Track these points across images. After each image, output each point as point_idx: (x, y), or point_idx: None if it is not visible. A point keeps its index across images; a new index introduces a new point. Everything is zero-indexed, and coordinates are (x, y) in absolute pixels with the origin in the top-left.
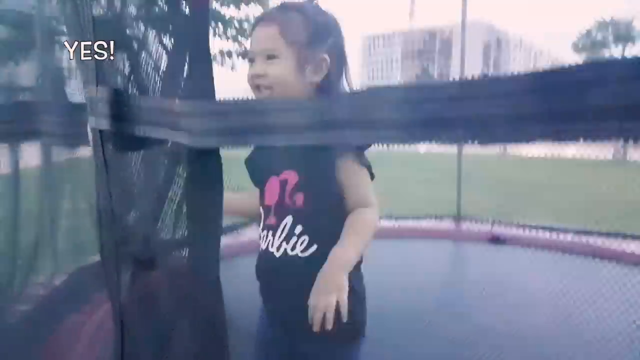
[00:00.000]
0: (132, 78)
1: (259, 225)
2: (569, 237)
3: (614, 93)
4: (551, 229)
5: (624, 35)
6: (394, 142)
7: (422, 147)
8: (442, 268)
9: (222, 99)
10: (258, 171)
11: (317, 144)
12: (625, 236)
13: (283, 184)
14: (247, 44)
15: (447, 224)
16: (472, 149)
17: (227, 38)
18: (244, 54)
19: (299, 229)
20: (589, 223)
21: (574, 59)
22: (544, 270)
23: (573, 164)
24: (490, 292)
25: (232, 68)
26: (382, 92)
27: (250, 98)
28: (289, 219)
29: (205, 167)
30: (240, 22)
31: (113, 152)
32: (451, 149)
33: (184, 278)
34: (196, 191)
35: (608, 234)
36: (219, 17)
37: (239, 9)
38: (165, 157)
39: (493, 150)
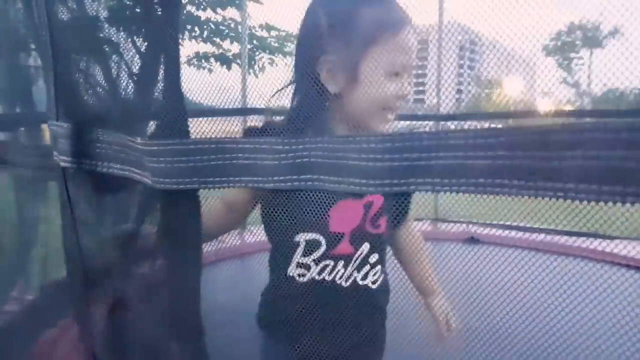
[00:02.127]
0: (95, 107)
1: (306, 252)
2: (543, 236)
3: (593, 156)
4: (527, 229)
5: (591, 39)
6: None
7: None
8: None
9: (192, 138)
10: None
11: (296, 189)
12: (597, 236)
13: (367, 207)
14: (226, 46)
15: (425, 226)
16: None
17: (204, 41)
18: (220, 58)
19: (374, 257)
20: (567, 223)
21: (544, 61)
22: (520, 269)
23: None
24: (467, 290)
25: (210, 71)
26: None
27: (225, 137)
28: (366, 247)
29: (180, 205)
30: (216, 24)
31: (78, 188)
32: None
33: (162, 320)
34: (172, 230)
35: (581, 233)
36: (195, 20)
37: (216, 12)
38: (136, 193)
39: None
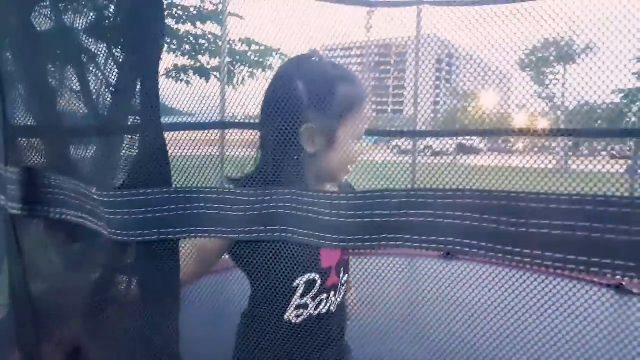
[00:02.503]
0: (48, 152)
1: (305, 293)
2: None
3: (560, 226)
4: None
5: (565, 54)
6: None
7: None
8: (401, 284)
9: (150, 188)
10: None
11: (262, 240)
12: None
13: None
14: (204, 60)
15: None
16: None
17: (183, 54)
18: (199, 70)
19: (346, 277)
20: None
21: (519, 75)
22: (493, 284)
23: (517, 171)
24: (442, 306)
25: (188, 83)
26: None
27: (187, 187)
28: (344, 272)
29: (154, 256)
30: (196, 37)
31: (28, 235)
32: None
33: None
34: (146, 283)
35: None
36: (174, 34)
37: (195, 26)
38: (92, 240)
39: (445, 161)
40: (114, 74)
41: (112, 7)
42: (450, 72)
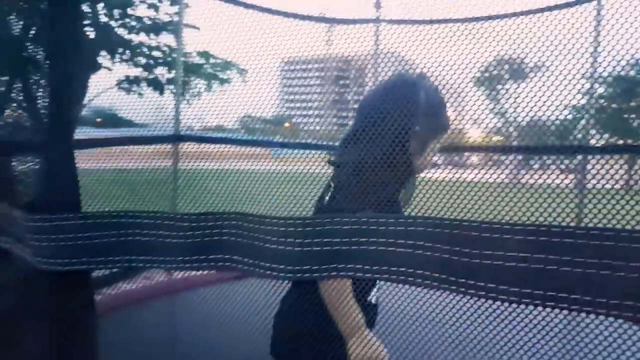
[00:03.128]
0: None
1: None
2: None
3: (504, 256)
4: None
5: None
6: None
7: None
8: None
9: (82, 212)
10: None
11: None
12: None
13: None
14: (158, 71)
15: None
16: None
17: (136, 65)
18: (153, 82)
19: None
20: None
21: (473, 91)
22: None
23: (472, 185)
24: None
25: (140, 95)
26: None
27: (122, 210)
28: None
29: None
30: (150, 49)
31: None
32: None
33: None
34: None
35: None
36: (127, 44)
37: (149, 36)
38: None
39: None
40: (22, 91)
41: (19, 21)
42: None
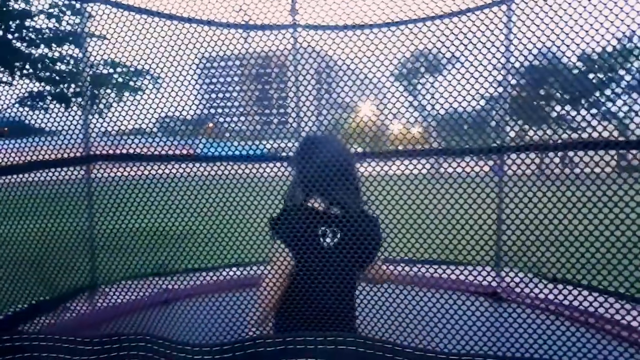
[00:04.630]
0: None
1: None
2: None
3: None
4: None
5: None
6: None
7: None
8: None
9: None
10: None
11: None
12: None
13: None
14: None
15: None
16: None
17: (39, 80)
18: (58, 96)
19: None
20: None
21: (393, 86)
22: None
23: (395, 179)
24: None
25: (46, 110)
26: None
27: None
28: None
29: None
30: (53, 61)
31: None
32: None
33: None
34: None
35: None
36: (27, 58)
37: (51, 49)
38: None
39: None
40: None
41: None
42: (330, 84)
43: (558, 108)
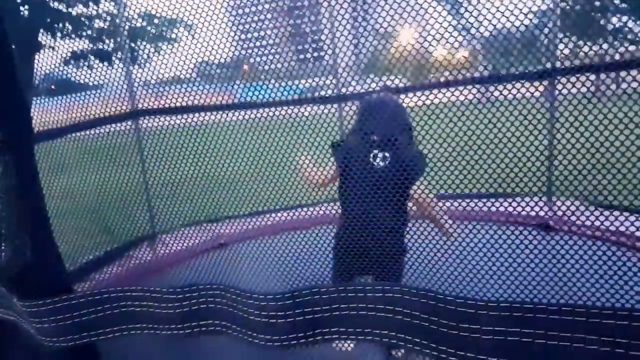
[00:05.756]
0: None
1: None
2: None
3: None
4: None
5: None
6: None
7: None
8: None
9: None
10: None
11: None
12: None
13: None
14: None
15: None
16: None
17: (80, 37)
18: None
19: None
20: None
21: (435, 8)
22: None
23: (441, 107)
24: None
25: (90, 67)
26: None
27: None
28: None
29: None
30: (90, 19)
31: None
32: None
33: None
34: None
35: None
36: (64, 17)
37: (87, 7)
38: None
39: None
40: None
41: None
42: (366, 11)
43: (615, 20)
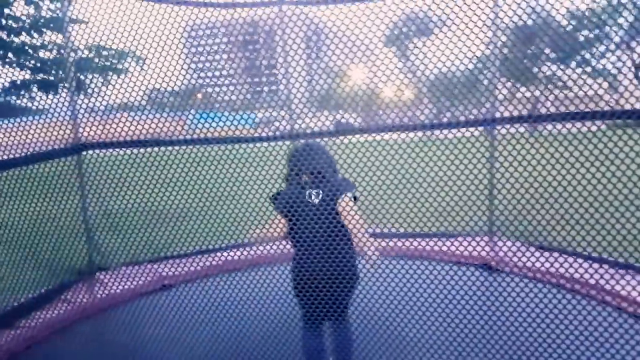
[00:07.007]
0: None
1: None
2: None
3: None
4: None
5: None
6: None
7: None
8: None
9: None
10: None
11: None
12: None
13: None
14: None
15: None
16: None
17: (23, 68)
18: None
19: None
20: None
21: (384, 50)
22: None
23: (391, 144)
24: None
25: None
26: None
27: None
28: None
29: None
30: (34, 49)
31: None
32: None
33: None
34: None
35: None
36: (9, 46)
37: (33, 37)
38: None
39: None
40: None
41: None
42: (319, 50)
43: (547, 68)
